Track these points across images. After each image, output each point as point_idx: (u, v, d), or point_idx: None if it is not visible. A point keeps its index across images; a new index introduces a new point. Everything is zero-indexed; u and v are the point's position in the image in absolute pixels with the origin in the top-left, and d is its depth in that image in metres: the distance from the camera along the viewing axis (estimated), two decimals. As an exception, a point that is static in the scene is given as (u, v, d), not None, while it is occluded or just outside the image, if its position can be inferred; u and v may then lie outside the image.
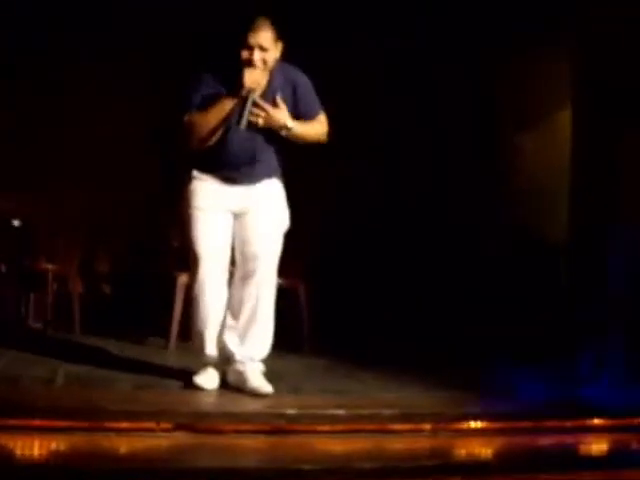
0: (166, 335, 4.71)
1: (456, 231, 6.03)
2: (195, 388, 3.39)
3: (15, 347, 4.26)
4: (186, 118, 3.40)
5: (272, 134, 3.46)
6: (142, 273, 5.77)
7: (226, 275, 3.55)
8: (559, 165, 5.56)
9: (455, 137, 6.44)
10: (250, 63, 3.35)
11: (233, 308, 3.49)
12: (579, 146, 5.35)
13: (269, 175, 3.53)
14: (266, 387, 3.36)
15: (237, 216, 3.51)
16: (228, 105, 3.36)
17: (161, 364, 4.02)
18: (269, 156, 3.52)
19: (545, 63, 5.86)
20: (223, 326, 3.49)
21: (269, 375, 3.51)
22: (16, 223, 5.42)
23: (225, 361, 3.50)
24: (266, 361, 3.54)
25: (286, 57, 3.50)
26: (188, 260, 3.56)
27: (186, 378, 3.50)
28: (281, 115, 3.40)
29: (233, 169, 3.47)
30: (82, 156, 6.13)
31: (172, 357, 4.41)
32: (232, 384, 3.45)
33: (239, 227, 3.51)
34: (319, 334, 4.85)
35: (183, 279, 4.65)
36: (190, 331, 3.60)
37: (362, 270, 6.06)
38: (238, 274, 3.50)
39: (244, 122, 3.31)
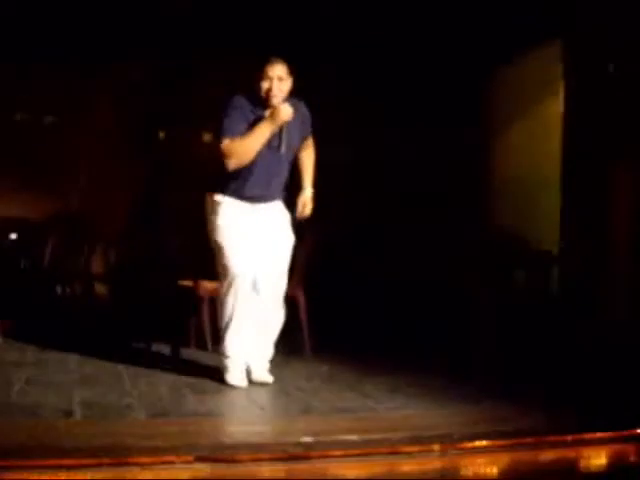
0: (171, 342, 4.81)
1: (453, 237, 6.14)
2: (211, 417, 3.48)
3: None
4: (226, 143, 3.74)
5: (291, 159, 4.03)
6: (144, 280, 5.82)
7: (256, 286, 3.92)
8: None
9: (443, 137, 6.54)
10: (270, 92, 3.80)
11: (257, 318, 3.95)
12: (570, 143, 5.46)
13: (280, 195, 4.08)
14: (268, 378, 4.03)
15: (260, 233, 3.93)
16: (267, 131, 3.79)
17: (172, 383, 4.07)
18: (283, 178, 4.05)
19: (534, 64, 5.94)
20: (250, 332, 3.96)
21: (276, 388, 3.97)
22: (13, 236, 5.49)
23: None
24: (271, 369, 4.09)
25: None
26: (218, 272, 3.93)
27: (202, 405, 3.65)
28: (310, 202, 4.02)
29: (256, 188, 3.90)
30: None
31: (184, 368, 4.40)
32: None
33: (263, 244, 3.93)
34: (319, 341, 4.95)
35: (207, 287, 4.73)
36: (220, 336, 3.98)
37: (362, 278, 6.17)
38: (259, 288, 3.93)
39: (284, 147, 3.88)
